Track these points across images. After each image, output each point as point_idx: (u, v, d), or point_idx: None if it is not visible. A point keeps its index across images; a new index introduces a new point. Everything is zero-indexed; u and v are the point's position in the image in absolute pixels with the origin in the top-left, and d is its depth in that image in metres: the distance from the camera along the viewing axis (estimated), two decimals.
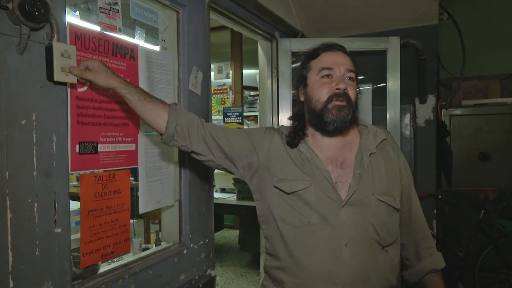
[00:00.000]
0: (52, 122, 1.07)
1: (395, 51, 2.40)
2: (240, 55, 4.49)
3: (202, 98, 1.71)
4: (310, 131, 1.20)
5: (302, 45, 2.44)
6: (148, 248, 1.60)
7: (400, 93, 2.42)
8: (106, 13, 1.26)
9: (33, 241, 1.02)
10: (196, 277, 1.65)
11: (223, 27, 3.54)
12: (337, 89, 1.12)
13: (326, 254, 1.08)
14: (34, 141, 1.02)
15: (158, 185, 1.49)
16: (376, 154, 1.17)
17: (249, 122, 5.06)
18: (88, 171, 1.22)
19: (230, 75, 4.68)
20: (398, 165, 1.21)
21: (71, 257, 1.14)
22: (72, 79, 1.08)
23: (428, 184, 2.76)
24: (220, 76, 5.00)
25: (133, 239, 1.54)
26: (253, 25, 2.18)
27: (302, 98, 1.22)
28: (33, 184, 1.02)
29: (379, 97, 2.53)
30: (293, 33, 2.59)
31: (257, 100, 4.83)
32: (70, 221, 1.13)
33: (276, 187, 1.15)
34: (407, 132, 2.80)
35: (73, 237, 1.16)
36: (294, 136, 1.18)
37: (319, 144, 1.17)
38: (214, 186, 4.15)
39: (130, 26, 1.49)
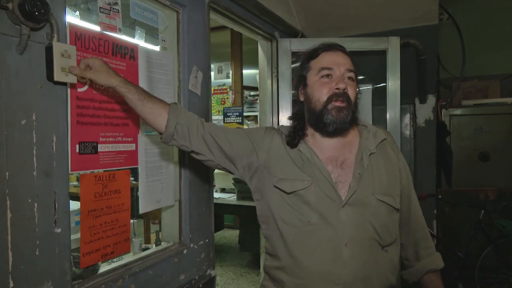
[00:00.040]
0: (52, 122, 1.07)
1: (395, 51, 2.40)
2: (240, 55, 4.49)
3: (202, 98, 1.71)
4: (310, 131, 1.20)
5: (302, 45, 2.44)
6: (148, 248, 1.61)
7: (400, 93, 2.42)
8: (106, 13, 1.26)
9: (33, 241, 1.02)
10: (196, 277, 1.65)
11: (223, 27, 3.54)
12: (336, 89, 1.12)
13: (326, 254, 1.08)
14: (34, 141, 1.02)
15: (158, 185, 1.49)
16: (376, 154, 1.17)
17: (249, 122, 5.06)
18: (88, 171, 1.22)
19: (230, 75, 4.68)
20: (398, 165, 1.22)
21: (71, 257, 1.15)
22: (72, 79, 1.08)
23: (428, 184, 2.76)
24: (220, 76, 5.00)
25: (133, 239, 1.54)
26: (253, 25, 2.18)
27: (301, 98, 1.22)
28: (33, 184, 1.02)
29: (379, 97, 2.53)
30: (293, 33, 2.59)
31: (257, 100, 4.83)
32: (70, 221, 1.13)
33: (276, 187, 1.15)
34: (407, 132, 2.80)
35: (73, 237, 1.16)
36: (294, 136, 1.18)
37: (319, 144, 1.17)
38: (214, 186, 4.15)
39: (130, 26, 1.49)
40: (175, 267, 1.53)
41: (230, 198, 3.88)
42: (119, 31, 1.30)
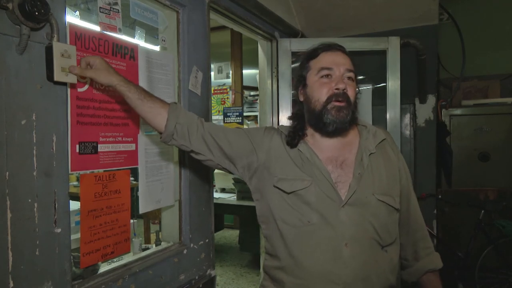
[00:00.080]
0: (52, 122, 1.07)
1: (395, 51, 2.40)
2: (240, 55, 4.49)
3: (202, 98, 1.71)
4: (309, 131, 1.20)
5: (302, 45, 2.44)
6: (148, 248, 1.61)
7: (400, 93, 2.42)
8: (106, 13, 1.26)
9: (33, 241, 1.02)
10: (196, 277, 1.65)
11: (223, 27, 3.54)
12: (336, 89, 1.12)
13: (326, 254, 1.08)
14: (34, 141, 1.02)
15: (158, 185, 1.49)
16: (376, 154, 1.17)
17: (249, 122, 5.05)
18: (88, 171, 1.22)
19: (230, 75, 4.68)
20: (398, 165, 1.22)
21: (71, 257, 1.15)
22: (72, 79, 1.08)
23: (428, 184, 2.76)
24: (220, 76, 5.01)
25: (133, 239, 1.54)
26: (253, 25, 2.18)
27: (301, 98, 1.22)
28: (33, 184, 1.02)
29: (379, 97, 2.53)
30: (293, 33, 2.59)
31: (257, 100, 4.83)
32: (70, 221, 1.13)
33: (276, 187, 1.15)
34: (407, 132, 2.80)
35: (73, 237, 1.16)
36: (294, 136, 1.18)
37: (319, 144, 1.17)
38: (214, 186, 4.15)
39: (130, 26, 1.49)
40: (175, 267, 1.53)
41: (230, 198, 3.88)
42: (119, 31, 1.30)
